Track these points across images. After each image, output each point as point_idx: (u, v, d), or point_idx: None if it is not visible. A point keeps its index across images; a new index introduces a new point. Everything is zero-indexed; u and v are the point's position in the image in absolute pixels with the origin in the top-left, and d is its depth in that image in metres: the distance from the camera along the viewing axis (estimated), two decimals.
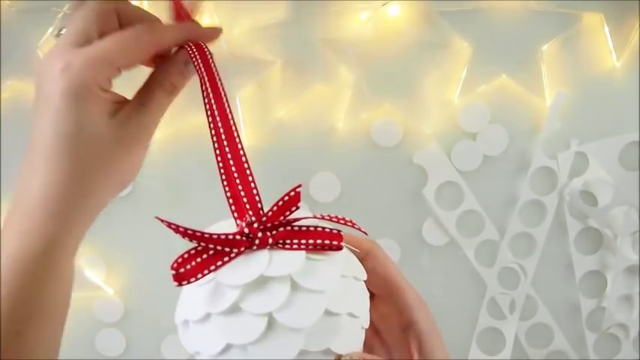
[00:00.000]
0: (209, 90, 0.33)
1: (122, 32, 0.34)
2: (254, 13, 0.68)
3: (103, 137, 0.33)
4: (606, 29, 0.69)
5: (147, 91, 0.35)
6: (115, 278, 0.74)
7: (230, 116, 0.33)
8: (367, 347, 0.33)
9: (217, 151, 0.32)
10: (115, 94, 0.35)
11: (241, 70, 0.68)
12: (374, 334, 0.37)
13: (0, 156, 0.71)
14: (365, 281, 0.32)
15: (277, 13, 0.68)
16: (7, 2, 0.67)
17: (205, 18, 0.68)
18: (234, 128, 0.33)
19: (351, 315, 0.29)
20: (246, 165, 0.32)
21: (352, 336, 0.30)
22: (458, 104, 0.71)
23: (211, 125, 0.33)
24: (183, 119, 0.71)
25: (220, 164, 0.32)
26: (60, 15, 0.67)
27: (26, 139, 0.71)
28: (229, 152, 0.32)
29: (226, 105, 0.33)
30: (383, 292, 0.35)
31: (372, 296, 0.34)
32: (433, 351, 0.33)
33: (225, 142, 0.32)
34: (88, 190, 0.33)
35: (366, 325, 0.31)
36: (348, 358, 0.29)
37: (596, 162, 0.71)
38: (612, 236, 0.71)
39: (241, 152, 0.32)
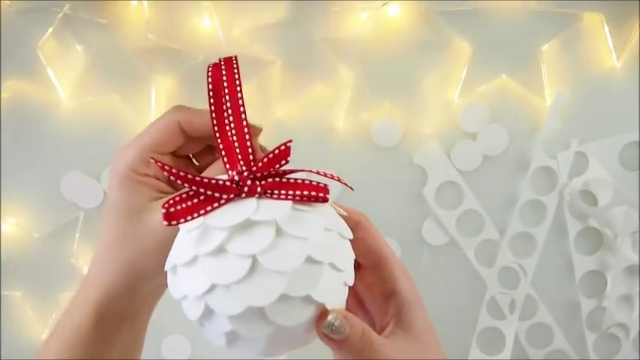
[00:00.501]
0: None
1: (156, 120, 0.36)
2: (254, 13, 0.68)
3: (141, 217, 0.34)
4: (606, 29, 0.69)
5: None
6: None
7: (238, 82, 0.34)
8: None
9: (212, 107, 0.33)
10: (161, 184, 0.36)
11: (241, 70, 0.68)
12: (358, 304, 0.37)
13: (0, 156, 0.72)
14: (353, 249, 0.33)
15: (277, 13, 0.68)
16: (7, 2, 0.67)
17: (205, 18, 0.68)
18: (238, 89, 0.34)
19: (333, 266, 0.30)
20: (243, 116, 0.33)
21: (334, 288, 0.30)
22: (458, 104, 0.71)
23: (210, 87, 0.34)
24: None
25: (214, 119, 0.33)
26: (60, 15, 0.67)
27: (26, 138, 0.72)
28: (230, 107, 0.33)
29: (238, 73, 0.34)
30: (369, 263, 0.35)
31: (358, 266, 0.35)
32: (413, 321, 0.33)
33: (227, 98, 0.33)
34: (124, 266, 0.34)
35: (350, 282, 0.32)
36: (332, 316, 0.29)
37: (596, 162, 0.71)
38: (612, 236, 0.71)
39: (241, 109, 0.33)
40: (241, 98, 0.33)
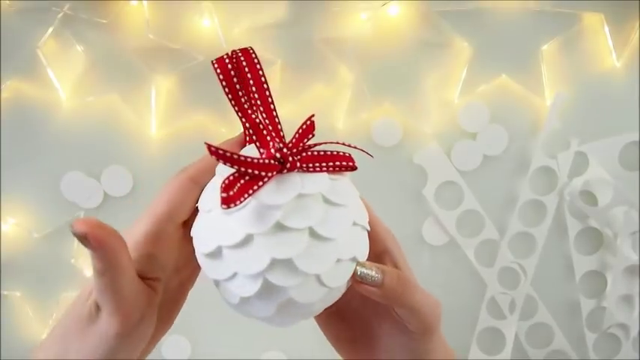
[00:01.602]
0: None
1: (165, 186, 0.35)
2: (254, 13, 0.68)
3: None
4: (606, 29, 0.69)
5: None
6: None
7: (260, 67, 0.35)
8: None
9: (230, 95, 0.34)
10: (154, 297, 0.34)
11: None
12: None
13: (0, 156, 0.72)
14: None
15: (277, 13, 0.68)
16: (7, 2, 0.67)
17: (205, 18, 0.68)
18: (261, 73, 0.35)
19: (364, 227, 0.33)
20: (270, 99, 0.34)
21: (366, 246, 0.34)
22: (458, 104, 0.71)
23: (221, 77, 0.34)
24: (183, 119, 0.71)
25: (234, 105, 0.34)
26: (60, 15, 0.67)
27: (26, 138, 0.72)
28: (256, 92, 0.34)
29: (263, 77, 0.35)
30: None
31: None
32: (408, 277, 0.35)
33: (251, 82, 0.34)
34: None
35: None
36: (364, 267, 0.32)
37: (596, 162, 0.71)
38: (612, 236, 0.71)
39: (267, 92, 0.34)
40: (265, 82, 0.34)
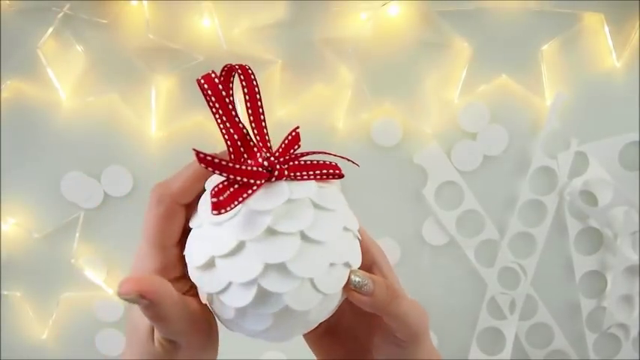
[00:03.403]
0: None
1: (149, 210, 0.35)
2: (254, 13, 0.68)
3: None
4: (606, 29, 0.69)
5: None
6: (114, 278, 0.74)
7: (256, 84, 0.34)
8: None
9: (216, 106, 0.33)
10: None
11: None
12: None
13: (0, 156, 0.72)
14: None
15: (277, 13, 0.68)
16: (7, 2, 0.67)
17: (205, 18, 0.68)
18: (257, 90, 0.34)
19: (355, 234, 0.33)
20: (261, 110, 0.34)
21: (359, 253, 0.34)
22: (458, 104, 0.71)
23: (206, 87, 0.33)
24: (183, 118, 0.71)
25: (218, 117, 0.33)
26: (60, 15, 0.68)
27: (26, 138, 0.72)
28: (250, 106, 0.34)
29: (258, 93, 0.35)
30: None
31: None
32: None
33: (245, 90, 0.34)
34: None
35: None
36: (358, 273, 0.32)
37: (596, 162, 0.71)
38: (612, 236, 0.71)
39: (259, 103, 0.34)
40: (259, 95, 0.34)
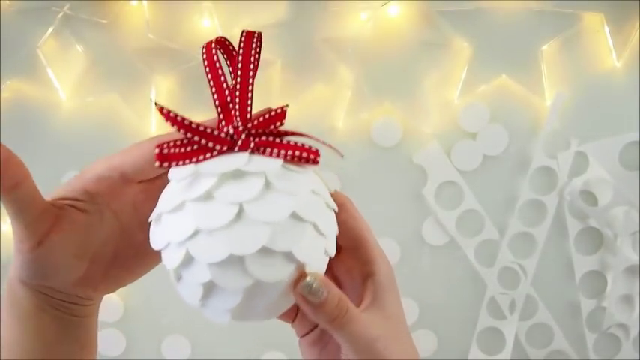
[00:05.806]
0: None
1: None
2: (254, 13, 0.68)
3: None
4: (606, 29, 0.69)
5: None
6: None
7: (258, 52, 0.34)
8: None
9: (207, 68, 0.33)
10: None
11: None
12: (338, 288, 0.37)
13: None
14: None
15: (277, 13, 0.68)
16: (7, 2, 0.67)
17: (205, 18, 0.68)
18: (254, 58, 0.34)
19: (316, 228, 0.30)
20: (251, 80, 0.33)
21: (316, 251, 0.30)
22: (458, 104, 0.71)
23: (203, 51, 0.33)
24: None
25: (210, 78, 0.33)
26: (60, 15, 0.68)
27: (26, 138, 0.72)
28: (241, 70, 0.33)
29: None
30: (350, 244, 0.35)
31: (340, 249, 0.35)
32: (386, 304, 0.33)
33: (240, 58, 0.33)
34: None
35: (331, 252, 0.32)
36: (312, 278, 0.29)
37: (596, 162, 0.71)
38: (612, 236, 0.71)
39: (251, 73, 0.33)
40: (255, 68, 0.33)
